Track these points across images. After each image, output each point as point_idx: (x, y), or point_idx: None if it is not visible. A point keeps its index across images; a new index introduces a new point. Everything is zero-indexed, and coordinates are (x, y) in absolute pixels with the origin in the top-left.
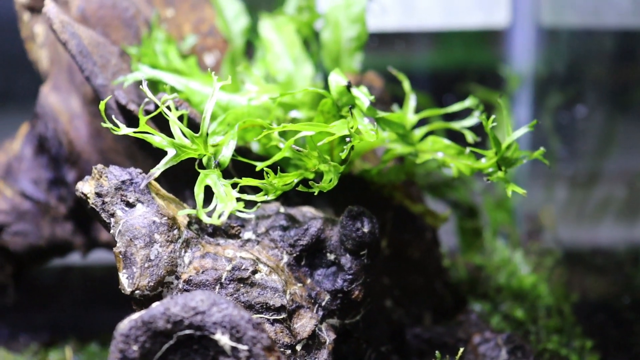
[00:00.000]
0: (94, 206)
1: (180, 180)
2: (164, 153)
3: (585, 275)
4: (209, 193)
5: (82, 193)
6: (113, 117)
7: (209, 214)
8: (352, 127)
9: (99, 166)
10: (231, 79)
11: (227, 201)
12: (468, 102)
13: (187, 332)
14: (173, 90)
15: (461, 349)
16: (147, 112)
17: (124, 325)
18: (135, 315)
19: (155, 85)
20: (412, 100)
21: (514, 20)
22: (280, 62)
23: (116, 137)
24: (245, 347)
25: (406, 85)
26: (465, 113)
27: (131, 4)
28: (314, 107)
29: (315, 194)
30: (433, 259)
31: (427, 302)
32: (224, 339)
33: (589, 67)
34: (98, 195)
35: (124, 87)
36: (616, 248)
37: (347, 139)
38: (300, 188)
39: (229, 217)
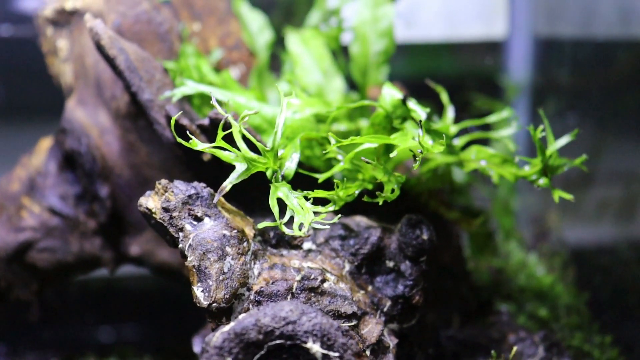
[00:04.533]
0: (161, 221)
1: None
2: (207, 167)
3: (593, 274)
4: (255, 203)
5: (147, 208)
6: (187, 133)
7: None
8: (417, 139)
9: (163, 181)
10: (259, 92)
11: (304, 213)
12: (505, 113)
13: (278, 342)
14: (219, 104)
15: (515, 347)
16: (199, 127)
17: (217, 338)
18: (226, 328)
19: (189, 100)
20: (450, 112)
21: (512, 32)
22: (309, 75)
23: (151, 151)
24: (336, 354)
25: (444, 97)
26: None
27: (165, 19)
28: (350, 120)
29: (380, 204)
30: (459, 263)
31: (455, 305)
32: (315, 347)
33: (583, 75)
34: (165, 210)
35: (172, 102)
36: (619, 247)
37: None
38: (365, 199)
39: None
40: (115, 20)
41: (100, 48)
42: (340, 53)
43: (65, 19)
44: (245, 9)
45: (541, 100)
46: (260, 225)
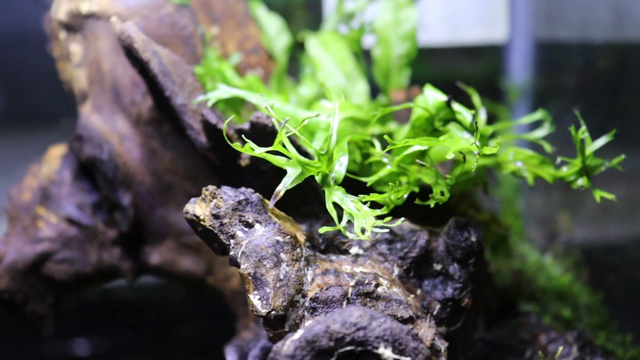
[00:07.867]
0: (211, 228)
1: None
2: (242, 172)
3: (605, 274)
4: (291, 208)
5: (194, 215)
6: (234, 138)
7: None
8: (465, 141)
9: (211, 187)
10: (280, 94)
11: (365, 217)
12: (538, 115)
13: (348, 348)
14: (256, 107)
15: (560, 348)
16: (217, 132)
17: (288, 347)
18: (296, 336)
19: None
20: (482, 114)
21: (512, 36)
22: (332, 79)
23: (175, 157)
24: (408, 359)
25: (476, 99)
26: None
27: (189, 22)
28: (382, 123)
29: (432, 206)
30: (483, 265)
31: (480, 308)
32: (387, 352)
33: (582, 77)
34: (215, 216)
35: (208, 106)
36: (627, 246)
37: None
38: (417, 201)
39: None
40: (139, 23)
41: (131, 51)
42: (361, 56)
43: (79, 22)
44: (263, 12)
45: (542, 103)
46: (322, 230)
